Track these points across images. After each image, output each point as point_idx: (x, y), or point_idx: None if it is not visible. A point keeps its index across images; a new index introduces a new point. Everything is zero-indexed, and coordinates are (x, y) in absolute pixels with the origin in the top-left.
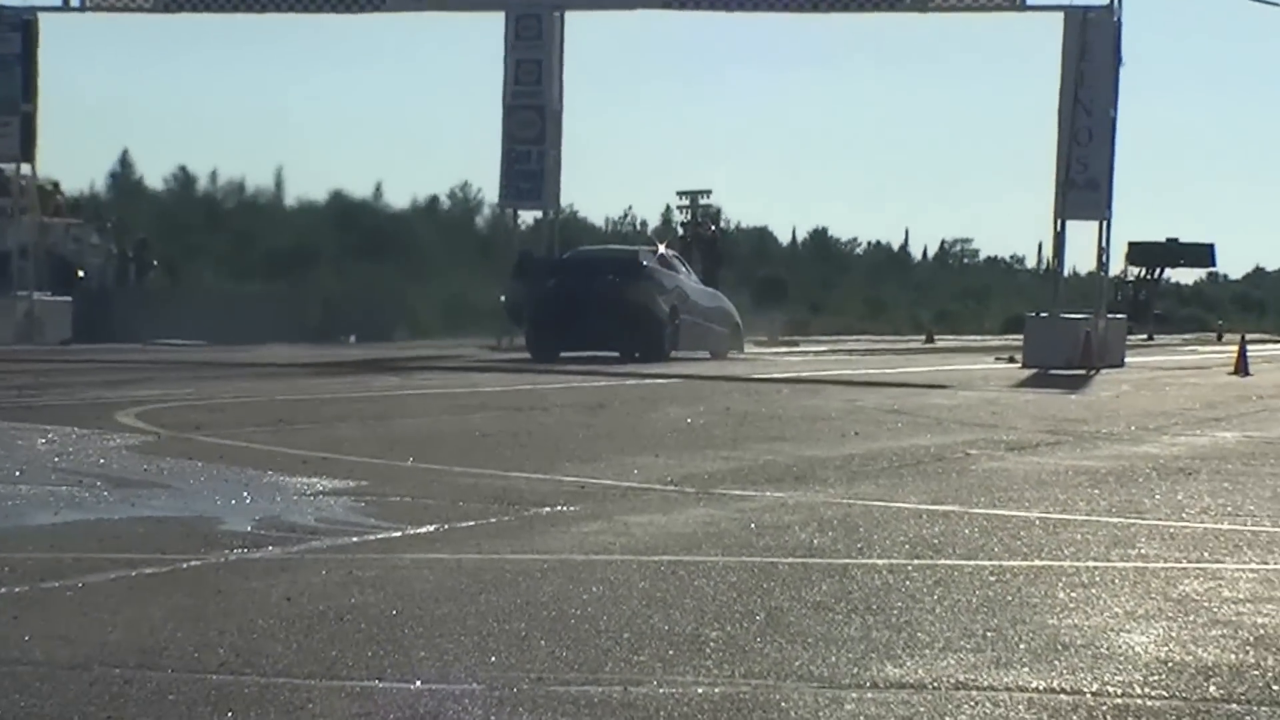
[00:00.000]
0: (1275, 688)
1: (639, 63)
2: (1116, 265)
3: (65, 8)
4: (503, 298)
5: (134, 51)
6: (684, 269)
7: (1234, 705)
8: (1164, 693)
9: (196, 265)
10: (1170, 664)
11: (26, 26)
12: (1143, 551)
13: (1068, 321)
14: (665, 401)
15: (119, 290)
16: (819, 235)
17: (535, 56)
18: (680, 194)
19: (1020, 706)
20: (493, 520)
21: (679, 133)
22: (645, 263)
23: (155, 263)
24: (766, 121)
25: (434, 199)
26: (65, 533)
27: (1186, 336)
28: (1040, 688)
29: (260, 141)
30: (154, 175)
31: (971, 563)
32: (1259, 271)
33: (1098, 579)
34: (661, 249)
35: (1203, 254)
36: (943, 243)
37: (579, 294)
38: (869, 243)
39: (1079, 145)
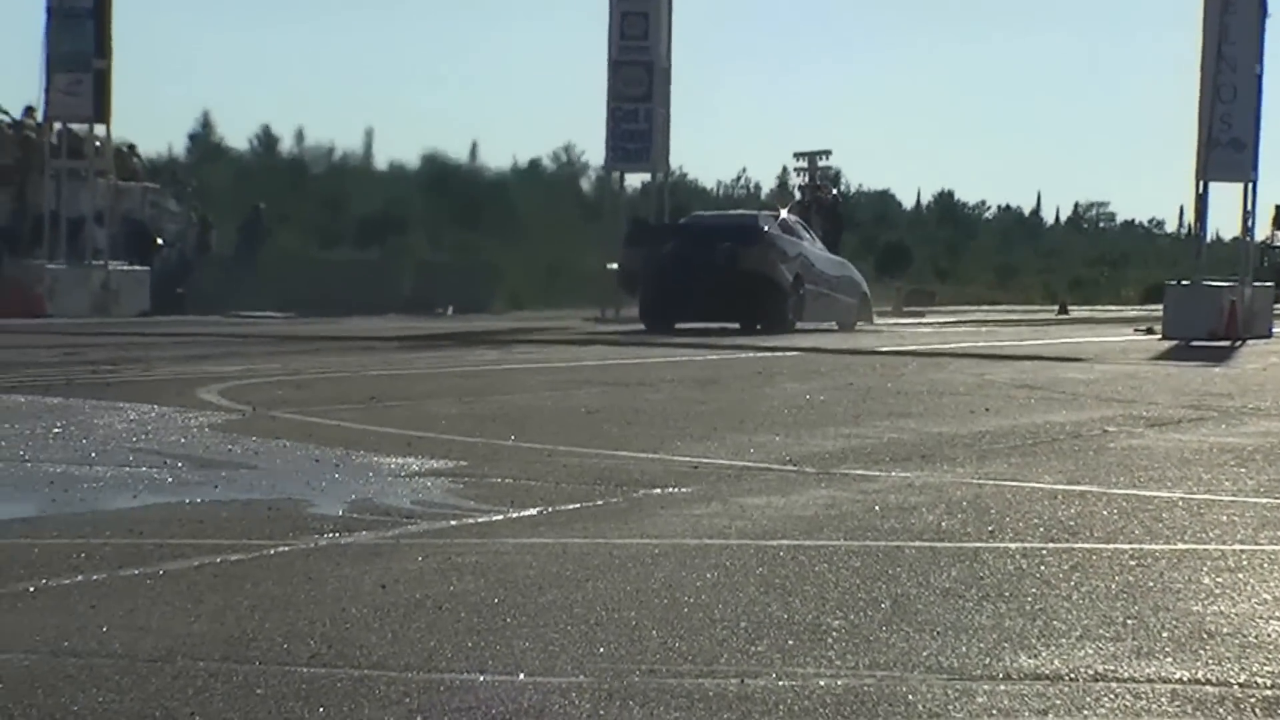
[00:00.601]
0: None
1: (753, 15)
2: (1263, 230)
3: None
4: (611, 266)
5: (214, 4)
6: (808, 235)
7: None
8: None
9: (280, 233)
10: None
11: None
12: None
13: (1211, 290)
14: (782, 376)
15: (200, 259)
16: (945, 199)
17: (642, 9)
18: (797, 155)
19: (1163, 699)
20: (599, 502)
21: (796, 90)
22: (766, 229)
23: (212, 230)
24: (890, 78)
25: (534, 161)
26: (145, 517)
27: None
28: (1184, 679)
29: (348, 100)
30: (236, 136)
31: (1110, 546)
32: None
33: (1245, 563)
34: (784, 214)
35: None
36: (1077, 206)
37: (696, 262)
38: (998, 206)
39: (1222, 103)
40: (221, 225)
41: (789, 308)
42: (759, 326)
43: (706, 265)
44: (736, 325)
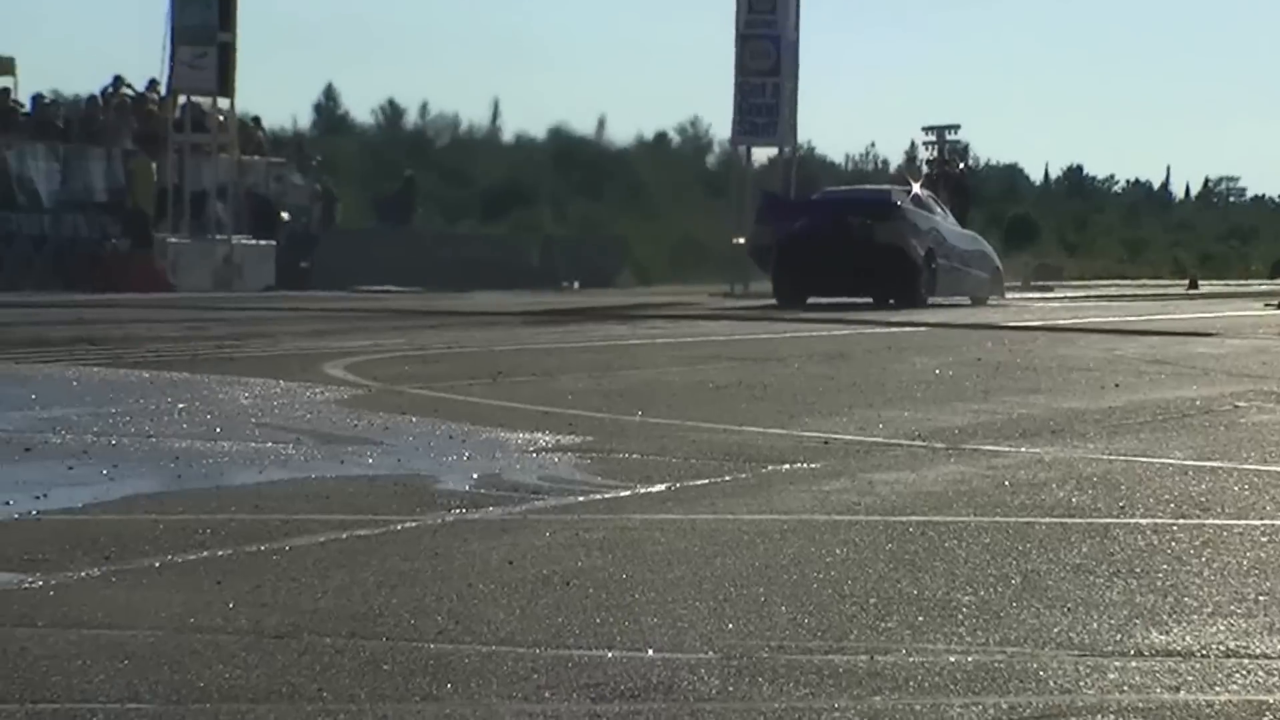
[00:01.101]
0: None
1: None
2: None
3: None
4: (738, 241)
5: None
6: (940, 210)
7: None
8: None
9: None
10: None
11: None
12: None
13: None
14: (911, 351)
15: (325, 233)
16: (1073, 173)
17: None
18: (926, 129)
19: None
20: (727, 478)
21: (925, 63)
22: (899, 203)
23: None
24: (1019, 50)
25: (660, 135)
26: (270, 492)
27: None
28: None
29: (474, 72)
30: (360, 109)
31: (1241, 522)
32: None
33: None
34: (916, 188)
35: None
36: (1206, 180)
37: (828, 236)
38: (1127, 180)
39: None
40: (346, 198)
41: (921, 282)
42: (891, 301)
43: (839, 240)
44: (869, 300)
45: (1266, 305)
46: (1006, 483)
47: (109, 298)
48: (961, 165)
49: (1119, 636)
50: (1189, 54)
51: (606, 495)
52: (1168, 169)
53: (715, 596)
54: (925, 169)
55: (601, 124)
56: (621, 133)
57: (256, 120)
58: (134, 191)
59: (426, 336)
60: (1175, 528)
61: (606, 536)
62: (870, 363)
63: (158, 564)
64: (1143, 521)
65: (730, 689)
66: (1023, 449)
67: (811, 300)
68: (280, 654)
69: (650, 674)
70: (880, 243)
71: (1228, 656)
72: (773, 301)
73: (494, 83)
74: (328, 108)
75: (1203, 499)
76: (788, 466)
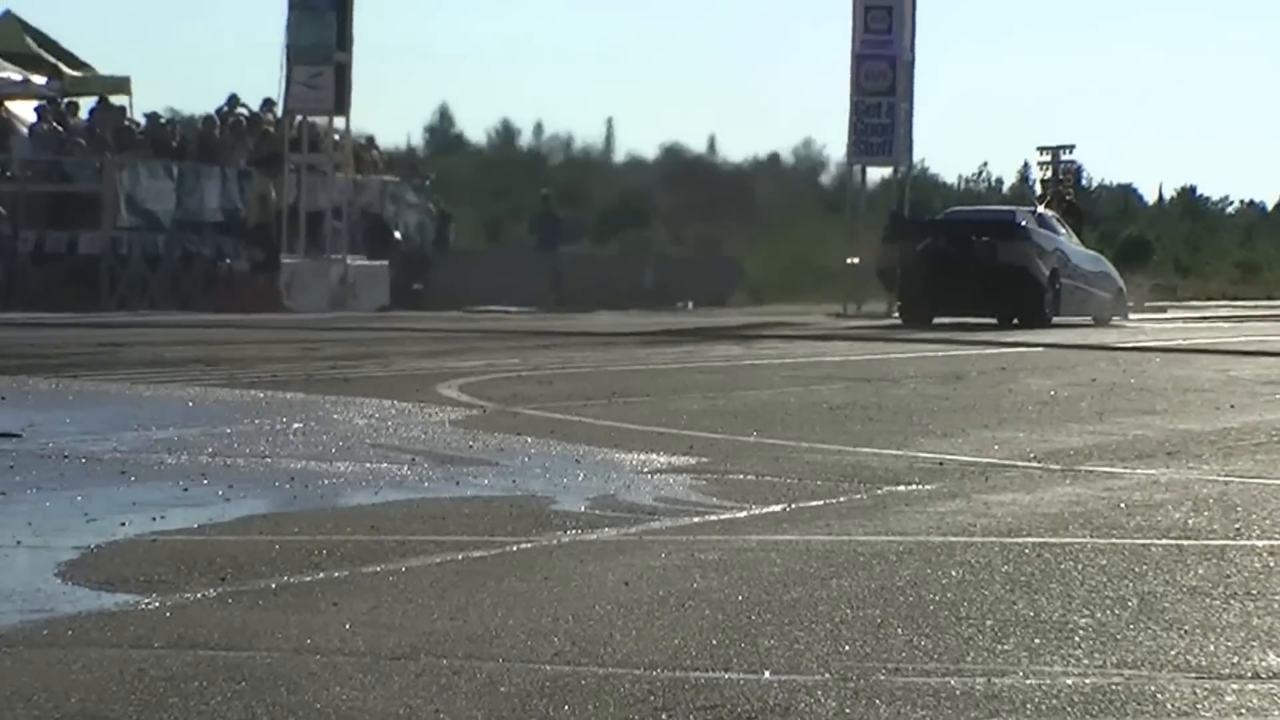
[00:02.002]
0: None
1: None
2: None
3: None
4: (851, 260)
5: None
6: (1063, 230)
7: None
8: None
9: (517, 227)
10: None
11: None
12: None
13: None
14: (1026, 371)
15: (439, 253)
16: (1187, 193)
17: (886, 3)
18: (1041, 149)
19: None
20: (843, 499)
21: (1038, 83)
22: (1023, 223)
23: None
24: (1134, 70)
25: (774, 154)
26: (386, 513)
27: None
28: None
29: (587, 91)
30: (474, 129)
31: None
32: None
33: None
34: (1040, 209)
35: None
36: None
37: (953, 256)
38: (1241, 201)
39: None
40: (460, 218)
41: (1046, 302)
42: (1015, 321)
43: (965, 260)
44: (993, 320)
45: None
46: (1122, 504)
47: (224, 318)
48: (1072, 188)
49: (1236, 659)
50: None
51: (722, 516)
52: None
53: (831, 618)
54: (1040, 189)
55: (713, 143)
56: (734, 152)
57: (371, 139)
58: (256, 211)
59: (540, 357)
60: None
61: (722, 558)
62: (985, 383)
63: (274, 585)
64: (1259, 544)
65: (847, 711)
66: (1138, 470)
67: (937, 320)
68: (397, 675)
69: (767, 696)
70: (1004, 263)
71: None
72: (886, 321)
73: (607, 102)
74: (441, 127)
75: None
76: (903, 488)
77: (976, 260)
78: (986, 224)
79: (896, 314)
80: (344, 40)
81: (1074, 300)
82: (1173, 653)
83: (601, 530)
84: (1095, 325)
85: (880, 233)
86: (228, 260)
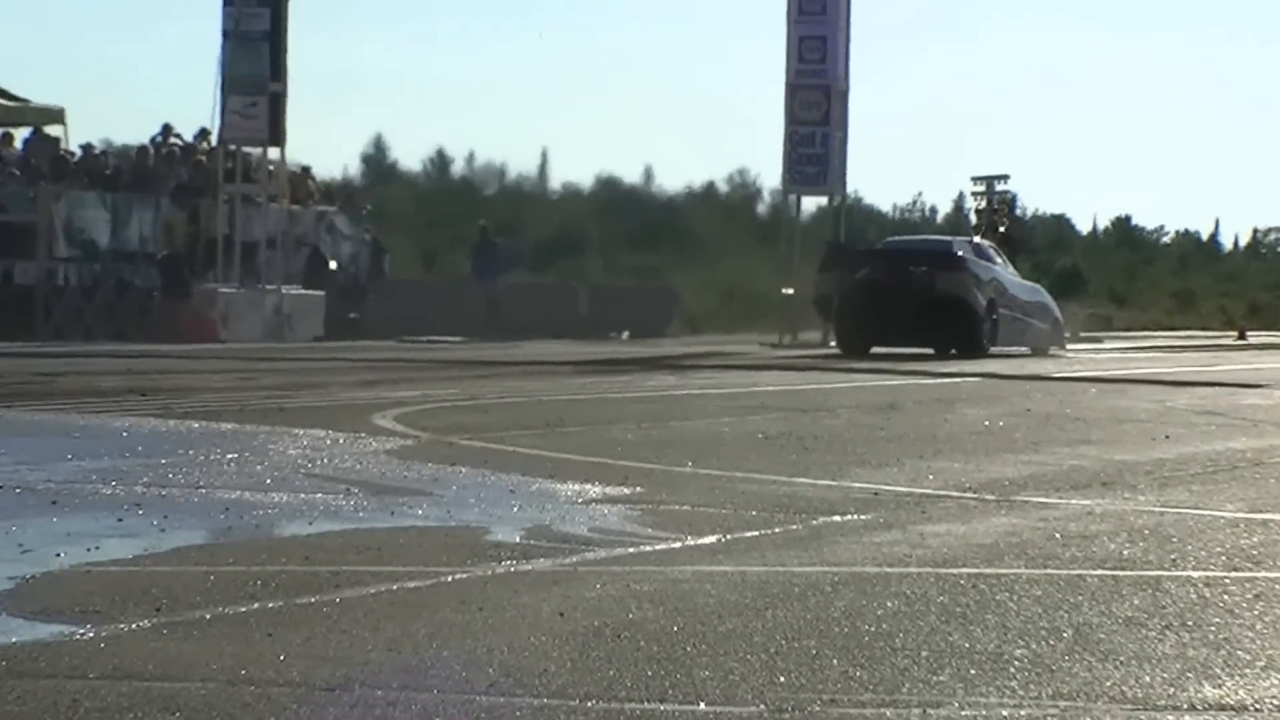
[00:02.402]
0: None
1: (931, 36)
2: None
3: None
4: (787, 291)
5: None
6: (1001, 260)
7: None
8: None
9: (453, 256)
10: None
11: (275, 0)
12: None
13: None
14: (961, 402)
15: (374, 284)
16: (1122, 223)
17: (820, 32)
18: (975, 179)
19: None
20: (778, 530)
21: (974, 113)
22: (960, 253)
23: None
24: (1068, 100)
25: (710, 185)
26: (321, 544)
27: None
28: None
29: (522, 122)
30: (410, 158)
31: None
32: None
33: None
34: (978, 239)
35: None
36: (1255, 231)
37: (890, 286)
38: (1176, 231)
39: None
40: (396, 248)
41: (983, 332)
42: (953, 351)
43: (903, 290)
44: (930, 350)
45: None
46: (1057, 535)
47: (159, 348)
48: (1008, 216)
49: (1172, 690)
50: (1237, 104)
51: (657, 547)
52: (1216, 220)
53: (767, 649)
54: (974, 219)
55: (649, 173)
56: (670, 182)
57: (306, 170)
58: (164, 240)
59: (476, 387)
60: (1227, 580)
61: (657, 589)
62: (920, 414)
63: (209, 616)
64: (1195, 574)
65: None
66: (1074, 501)
67: (874, 350)
68: (332, 707)
69: None
70: (942, 293)
71: None
72: (822, 351)
73: (541, 132)
74: (376, 158)
75: (1255, 552)
76: (839, 518)
77: (914, 290)
78: (924, 254)
79: (833, 344)
80: (279, 70)
81: (1012, 330)
82: (1108, 684)
83: (536, 561)
84: (1033, 355)
85: (817, 262)
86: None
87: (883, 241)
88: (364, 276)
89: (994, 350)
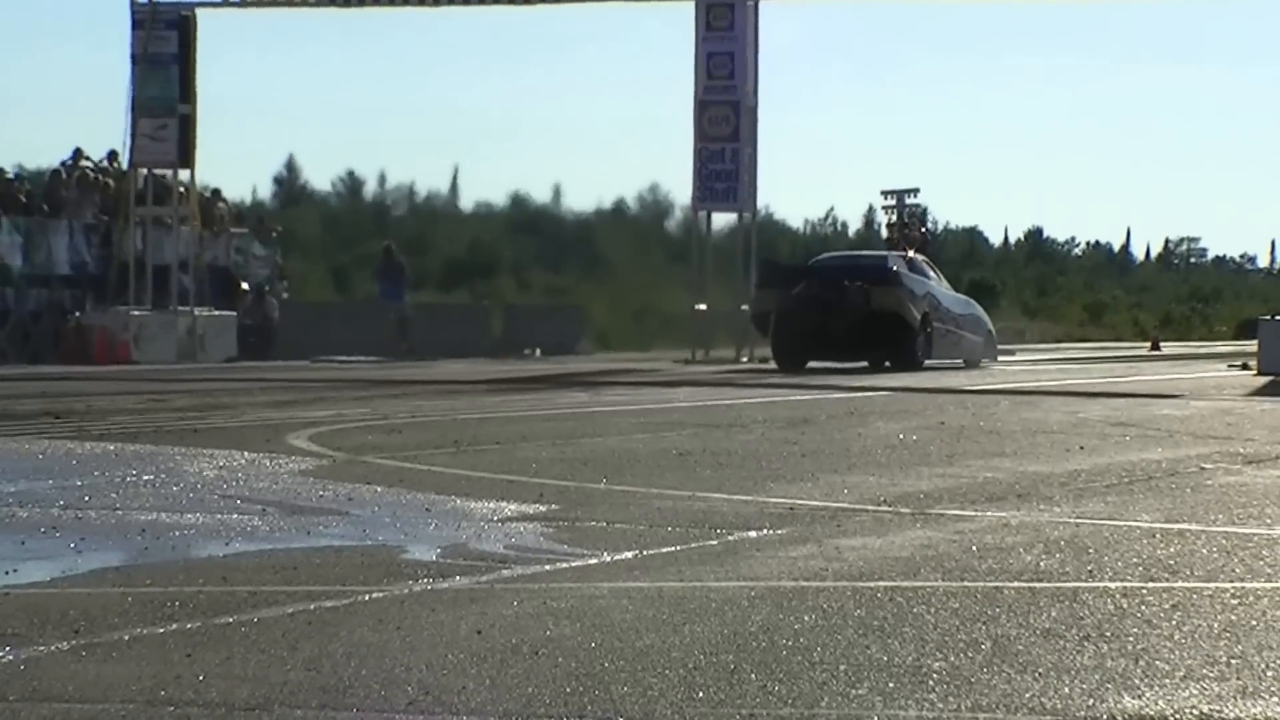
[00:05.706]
0: None
1: (839, 52)
2: None
3: (224, 3)
4: (699, 307)
5: (297, 49)
6: (934, 274)
7: None
8: None
9: (364, 276)
10: None
11: (183, 23)
12: None
13: None
14: (875, 416)
15: (286, 305)
16: (1033, 236)
17: (728, 49)
18: (885, 193)
19: None
20: (694, 545)
21: (883, 127)
22: (894, 268)
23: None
24: (977, 114)
25: (619, 202)
26: (237, 564)
27: None
28: None
29: (432, 143)
30: (320, 180)
31: (1211, 585)
32: None
33: None
34: (911, 254)
35: None
36: (1167, 242)
37: (826, 302)
38: (1087, 243)
39: None
40: (307, 269)
41: (918, 346)
42: (888, 365)
43: (837, 305)
44: (866, 364)
45: (1230, 366)
46: (974, 547)
47: (73, 370)
48: (922, 229)
49: (1091, 701)
50: (1147, 117)
51: (573, 564)
52: (1128, 231)
53: (685, 664)
54: (885, 233)
55: (558, 192)
56: (580, 200)
57: (217, 192)
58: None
59: (389, 406)
60: (1145, 591)
61: (574, 605)
62: (833, 428)
63: (127, 637)
64: (1112, 585)
65: None
66: (989, 513)
67: (811, 365)
68: None
69: None
70: (877, 307)
71: None
72: (734, 367)
73: (451, 152)
74: (288, 179)
75: (1171, 562)
76: (754, 533)
77: (849, 306)
78: (859, 269)
79: (752, 360)
80: (187, 93)
81: (945, 344)
82: (1027, 695)
83: (453, 579)
84: (966, 368)
85: (737, 279)
86: (76, 314)
87: (818, 257)
88: (276, 297)
89: (928, 363)
